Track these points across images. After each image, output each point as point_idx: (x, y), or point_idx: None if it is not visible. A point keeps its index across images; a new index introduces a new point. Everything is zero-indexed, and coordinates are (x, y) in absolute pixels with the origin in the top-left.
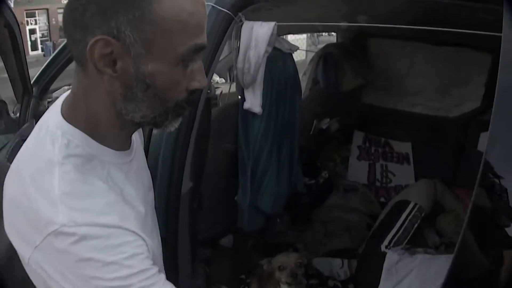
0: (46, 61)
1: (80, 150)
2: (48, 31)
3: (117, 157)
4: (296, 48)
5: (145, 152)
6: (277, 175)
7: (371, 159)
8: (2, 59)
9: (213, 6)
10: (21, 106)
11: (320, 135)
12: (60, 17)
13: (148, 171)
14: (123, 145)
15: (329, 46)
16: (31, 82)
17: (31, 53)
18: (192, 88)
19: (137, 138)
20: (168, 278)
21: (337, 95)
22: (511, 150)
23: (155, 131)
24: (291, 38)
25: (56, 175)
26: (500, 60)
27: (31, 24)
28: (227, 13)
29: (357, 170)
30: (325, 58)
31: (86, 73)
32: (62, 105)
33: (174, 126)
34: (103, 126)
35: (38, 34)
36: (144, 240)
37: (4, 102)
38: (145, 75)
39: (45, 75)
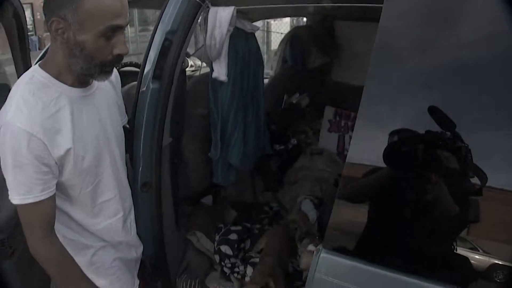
0: (33, 55)
1: (40, 80)
2: (33, 25)
3: (69, 89)
4: (257, 28)
5: (133, 109)
6: (244, 134)
7: (341, 131)
8: (10, 47)
9: None
10: None
11: (291, 109)
12: None
13: (112, 111)
14: (76, 83)
15: (296, 28)
16: None
17: None
18: (116, 53)
19: (107, 87)
20: (152, 224)
21: (305, 72)
22: None
23: (142, 95)
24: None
25: (20, 89)
26: None
27: None
28: (196, 1)
29: (328, 141)
30: (292, 39)
31: (52, 40)
32: (39, 62)
33: (103, 79)
34: (62, 70)
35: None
36: (47, 147)
37: (7, 84)
38: (79, 42)
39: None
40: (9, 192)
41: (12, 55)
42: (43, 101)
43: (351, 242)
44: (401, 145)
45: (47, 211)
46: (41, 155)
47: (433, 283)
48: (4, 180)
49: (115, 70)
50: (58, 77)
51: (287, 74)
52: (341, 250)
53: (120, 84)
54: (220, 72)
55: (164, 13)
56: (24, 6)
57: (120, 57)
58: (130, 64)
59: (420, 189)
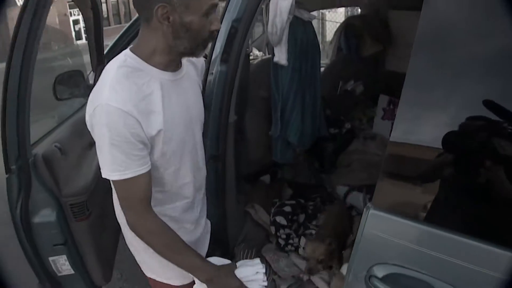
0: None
1: (133, 64)
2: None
3: (160, 73)
4: (314, 17)
5: (203, 90)
6: (302, 115)
7: (394, 118)
8: (87, 36)
9: None
10: (95, 75)
11: (345, 96)
12: (102, 7)
13: (196, 96)
14: (168, 67)
15: (350, 18)
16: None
17: (76, 42)
18: (212, 29)
19: (192, 72)
20: (217, 196)
21: (359, 61)
22: None
23: (210, 77)
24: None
25: (113, 72)
26: None
27: (74, 15)
28: None
29: (381, 128)
30: (346, 28)
31: (149, 25)
32: (130, 47)
33: (201, 55)
34: (156, 54)
35: (82, 24)
36: (141, 125)
37: (81, 71)
38: (185, 23)
39: (115, 49)
40: (103, 170)
41: (88, 44)
42: (136, 83)
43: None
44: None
45: (145, 185)
46: (137, 133)
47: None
48: (83, 149)
49: None
50: (149, 61)
51: (342, 62)
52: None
53: (203, 66)
54: (281, 56)
55: (230, 2)
56: None
57: (215, 33)
58: None
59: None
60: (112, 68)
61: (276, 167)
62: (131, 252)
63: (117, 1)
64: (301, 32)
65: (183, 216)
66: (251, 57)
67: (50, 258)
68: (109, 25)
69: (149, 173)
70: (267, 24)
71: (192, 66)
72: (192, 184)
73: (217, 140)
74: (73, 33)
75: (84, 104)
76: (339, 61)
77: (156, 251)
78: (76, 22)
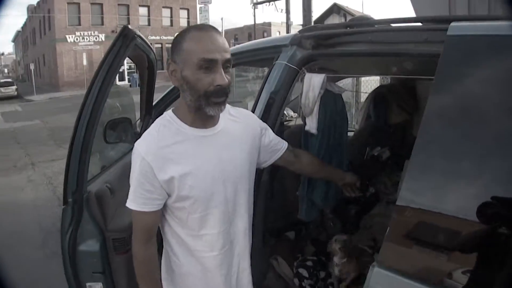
0: (131, 91)
1: (167, 119)
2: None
3: (189, 129)
4: (343, 90)
5: None
6: None
7: None
8: (140, 88)
9: (286, 64)
10: (142, 124)
11: (372, 161)
12: None
13: (236, 152)
14: (197, 123)
15: (380, 87)
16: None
17: (118, 83)
18: (215, 84)
19: (237, 130)
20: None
21: (386, 128)
22: None
23: None
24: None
25: (153, 124)
26: None
27: None
28: (295, 68)
29: None
30: (375, 97)
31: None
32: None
33: (213, 111)
34: (185, 111)
35: (125, 66)
36: (153, 170)
37: (130, 119)
38: (184, 77)
39: (162, 102)
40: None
41: (140, 97)
42: (163, 134)
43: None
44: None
45: (146, 221)
46: (147, 175)
47: None
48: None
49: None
50: (181, 117)
51: (370, 128)
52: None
53: (268, 130)
54: (312, 126)
55: (269, 76)
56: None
57: (220, 87)
58: None
59: None
60: (155, 121)
61: (301, 224)
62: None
63: (161, 47)
64: (331, 104)
65: (209, 267)
66: (286, 117)
67: (88, 284)
68: None
69: (153, 214)
70: (301, 96)
71: (239, 125)
72: (221, 236)
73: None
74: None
75: (128, 151)
76: (367, 127)
77: (136, 276)
78: None
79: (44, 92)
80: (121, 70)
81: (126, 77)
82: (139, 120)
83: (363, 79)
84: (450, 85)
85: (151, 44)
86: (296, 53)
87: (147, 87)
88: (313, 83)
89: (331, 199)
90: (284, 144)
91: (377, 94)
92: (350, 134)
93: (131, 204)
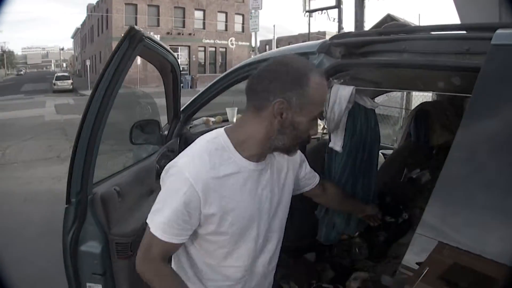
0: (183, 92)
1: (221, 144)
2: (188, 65)
3: (244, 161)
4: (377, 105)
5: None
6: None
7: None
8: (165, 91)
9: None
10: (170, 127)
11: (409, 184)
12: (200, 55)
13: (276, 187)
14: (253, 157)
15: (424, 103)
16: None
17: None
18: (310, 134)
19: (280, 164)
20: None
21: (428, 149)
22: None
23: None
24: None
25: (200, 145)
26: None
27: None
28: None
29: None
30: (417, 114)
31: (258, 113)
32: (225, 127)
33: (293, 154)
34: (249, 142)
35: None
36: (200, 201)
37: (158, 121)
38: (294, 122)
39: (191, 106)
40: (150, 214)
41: (166, 101)
42: (215, 162)
43: None
44: None
45: (167, 250)
46: (191, 205)
47: None
48: (141, 196)
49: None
50: (237, 147)
51: (410, 148)
52: None
53: (305, 162)
54: (336, 143)
55: None
56: (182, 48)
57: (311, 137)
58: None
59: None
60: (201, 141)
61: (324, 246)
62: None
63: (215, 51)
64: (362, 119)
65: None
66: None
67: (88, 284)
68: (204, 73)
69: (179, 245)
70: (326, 109)
71: (282, 158)
72: (243, 269)
73: None
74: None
75: (151, 155)
76: (407, 147)
77: None
78: None
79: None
80: None
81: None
82: (166, 125)
83: (415, 93)
84: (491, 104)
85: (204, 47)
86: (324, 61)
87: (173, 90)
88: (340, 96)
89: (354, 223)
90: (316, 179)
91: (419, 111)
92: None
93: (158, 232)
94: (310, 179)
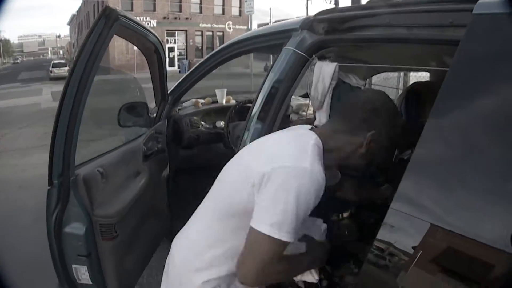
0: (181, 77)
1: (320, 150)
2: (185, 50)
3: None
4: (362, 83)
5: (229, 146)
6: None
7: None
8: (150, 73)
9: (294, 50)
10: (158, 109)
11: (401, 165)
12: (197, 39)
13: None
14: (327, 170)
15: (415, 83)
16: (168, 92)
17: (168, 69)
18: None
19: None
20: None
21: (419, 130)
22: None
23: (246, 133)
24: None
25: (311, 147)
26: None
27: (170, 42)
28: (303, 55)
29: None
30: (408, 94)
31: (350, 133)
32: (319, 132)
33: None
34: (331, 154)
35: (176, 52)
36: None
37: (146, 103)
38: (377, 151)
39: (178, 88)
40: (258, 219)
41: (152, 83)
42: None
43: None
44: None
45: (280, 251)
46: (313, 204)
47: None
48: (127, 177)
49: None
50: (324, 153)
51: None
52: None
53: None
54: (321, 121)
55: (275, 63)
56: (179, 32)
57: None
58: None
59: None
60: (308, 141)
61: None
62: (161, 279)
63: (212, 35)
64: (347, 98)
65: None
66: (292, 110)
67: (73, 265)
68: (202, 57)
69: (286, 245)
70: (310, 87)
71: None
72: None
73: None
74: (167, 60)
75: (139, 136)
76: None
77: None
78: (171, 49)
79: (95, 74)
80: (171, 56)
81: (176, 63)
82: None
83: (412, 75)
84: (470, 77)
85: (201, 31)
86: (306, 38)
87: (159, 71)
88: (323, 73)
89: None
90: None
91: (410, 91)
92: None
93: (285, 236)
94: None
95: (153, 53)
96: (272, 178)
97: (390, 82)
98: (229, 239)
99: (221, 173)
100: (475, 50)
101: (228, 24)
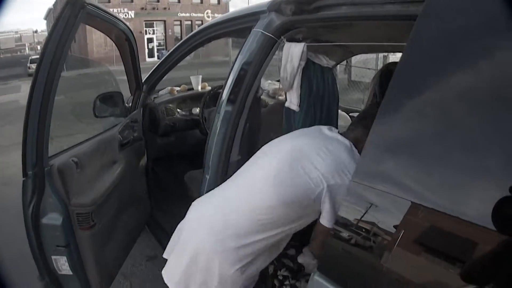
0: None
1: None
2: (164, 40)
3: None
4: (333, 63)
5: (205, 132)
6: None
7: None
8: (123, 63)
9: (262, 32)
10: (133, 98)
11: None
12: (176, 29)
13: None
14: None
15: (389, 63)
16: (142, 81)
17: (148, 59)
18: None
19: None
20: None
21: None
22: None
23: (217, 116)
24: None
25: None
26: None
27: (149, 33)
28: (272, 37)
29: None
30: (382, 74)
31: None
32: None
33: None
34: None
35: (155, 43)
36: None
37: (121, 93)
38: None
39: (153, 76)
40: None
41: (125, 71)
42: None
43: None
44: None
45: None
46: None
47: None
48: (102, 166)
49: None
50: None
51: (375, 109)
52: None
53: None
54: (292, 101)
55: (244, 45)
56: (157, 23)
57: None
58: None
59: None
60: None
61: None
62: (147, 269)
63: (191, 24)
64: (318, 78)
65: None
66: (262, 92)
67: (53, 257)
68: None
69: None
70: (279, 68)
71: None
72: None
73: (216, 176)
74: (146, 50)
75: (115, 125)
76: (372, 109)
77: None
78: (150, 40)
79: (74, 68)
80: (150, 47)
81: (156, 54)
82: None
83: (392, 55)
84: (426, 53)
85: (180, 21)
86: (274, 19)
87: (132, 60)
88: (291, 54)
89: None
90: None
91: (384, 72)
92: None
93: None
94: None
95: (124, 42)
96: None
97: (369, 64)
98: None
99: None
100: (432, 26)
101: (207, 13)
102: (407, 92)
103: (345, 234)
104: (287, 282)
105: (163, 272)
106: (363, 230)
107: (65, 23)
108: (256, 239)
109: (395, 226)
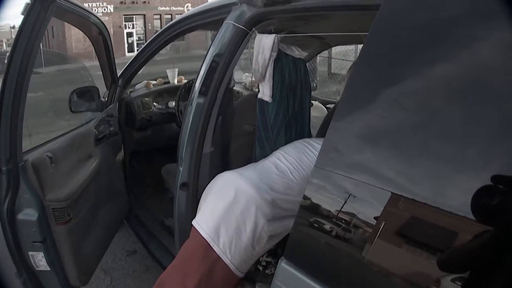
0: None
1: None
2: (144, 35)
3: None
4: (305, 54)
5: (179, 124)
6: None
7: None
8: (97, 57)
9: (233, 24)
10: (109, 92)
11: None
12: (156, 23)
13: None
14: None
15: None
16: (118, 75)
17: (128, 54)
18: None
19: None
20: (187, 221)
21: None
22: None
23: (189, 108)
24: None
25: None
26: None
27: (128, 28)
28: (243, 28)
29: None
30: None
31: None
32: None
33: None
34: None
35: (135, 37)
36: None
37: (97, 87)
38: None
39: (128, 70)
40: None
41: (100, 65)
42: None
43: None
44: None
45: None
46: None
47: None
48: (78, 161)
49: None
50: None
51: None
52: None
53: None
54: (265, 93)
55: (216, 37)
56: (137, 17)
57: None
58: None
59: None
60: None
61: None
62: (127, 264)
63: (171, 18)
64: (291, 69)
65: None
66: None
67: (30, 253)
68: None
69: None
70: (251, 61)
71: None
72: None
73: (189, 168)
74: (126, 45)
75: (91, 120)
76: None
77: None
78: (129, 34)
79: (53, 64)
80: (130, 41)
81: (135, 48)
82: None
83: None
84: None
85: (160, 14)
86: (245, 11)
87: (106, 54)
88: (263, 45)
89: None
90: None
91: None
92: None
93: None
94: None
95: (98, 36)
96: None
97: (349, 56)
98: None
99: None
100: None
101: (187, 7)
102: (382, 80)
103: (311, 220)
104: (270, 267)
105: (194, 222)
106: (331, 217)
107: (35, 17)
108: (287, 199)
109: (361, 213)
